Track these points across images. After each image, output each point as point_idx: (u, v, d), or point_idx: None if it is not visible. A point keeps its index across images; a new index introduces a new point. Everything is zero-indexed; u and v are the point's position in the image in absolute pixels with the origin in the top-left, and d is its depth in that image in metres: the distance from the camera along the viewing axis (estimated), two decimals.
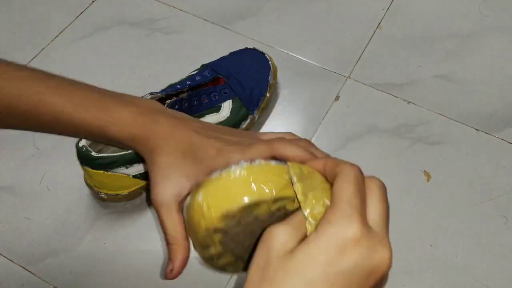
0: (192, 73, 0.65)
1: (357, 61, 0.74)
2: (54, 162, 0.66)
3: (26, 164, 0.66)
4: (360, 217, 0.29)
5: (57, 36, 0.78)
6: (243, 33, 0.77)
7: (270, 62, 0.67)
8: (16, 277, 0.58)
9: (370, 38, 0.76)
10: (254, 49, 0.69)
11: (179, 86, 0.61)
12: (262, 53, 0.68)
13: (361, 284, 0.28)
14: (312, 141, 0.66)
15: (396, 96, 0.70)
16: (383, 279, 0.29)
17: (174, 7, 0.81)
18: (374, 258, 0.28)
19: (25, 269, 0.58)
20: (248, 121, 0.65)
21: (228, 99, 0.64)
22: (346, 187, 0.30)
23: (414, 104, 0.69)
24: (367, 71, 0.73)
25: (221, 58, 0.68)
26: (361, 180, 0.31)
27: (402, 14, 0.79)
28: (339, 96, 0.70)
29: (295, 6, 0.80)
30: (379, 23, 0.78)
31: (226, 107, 0.63)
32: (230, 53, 0.69)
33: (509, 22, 0.77)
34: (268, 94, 0.66)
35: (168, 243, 0.36)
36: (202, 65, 0.66)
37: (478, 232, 0.59)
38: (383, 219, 0.30)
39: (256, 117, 0.66)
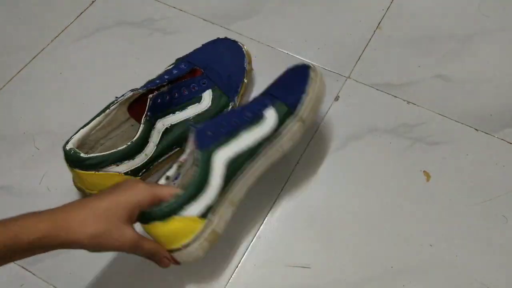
0: (169, 67, 0.65)
1: (357, 61, 0.74)
2: (54, 162, 0.65)
3: (26, 164, 0.66)
4: None
5: (57, 36, 0.78)
6: (243, 33, 0.77)
7: (243, 49, 0.68)
8: (16, 277, 0.58)
9: (370, 38, 0.76)
10: (226, 38, 0.70)
11: (158, 81, 0.61)
12: (235, 41, 0.69)
13: None
14: (312, 141, 0.66)
15: (396, 96, 0.70)
16: None
17: (174, 7, 0.81)
18: None
19: (25, 269, 0.58)
20: (229, 108, 0.65)
21: (208, 89, 0.64)
22: None
23: (414, 104, 0.69)
24: (367, 71, 0.72)
25: (195, 50, 0.69)
26: None
27: (401, 14, 0.79)
28: (339, 96, 0.70)
29: (295, 6, 0.80)
30: (379, 23, 0.78)
31: (207, 97, 0.64)
32: (202, 44, 0.70)
33: (509, 22, 0.77)
34: (245, 80, 0.67)
35: None
36: (177, 59, 0.67)
37: (478, 232, 0.59)
38: None
39: (237, 104, 0.66)
